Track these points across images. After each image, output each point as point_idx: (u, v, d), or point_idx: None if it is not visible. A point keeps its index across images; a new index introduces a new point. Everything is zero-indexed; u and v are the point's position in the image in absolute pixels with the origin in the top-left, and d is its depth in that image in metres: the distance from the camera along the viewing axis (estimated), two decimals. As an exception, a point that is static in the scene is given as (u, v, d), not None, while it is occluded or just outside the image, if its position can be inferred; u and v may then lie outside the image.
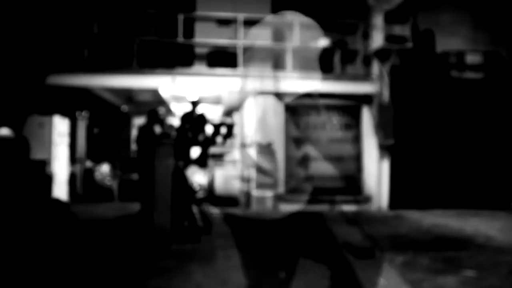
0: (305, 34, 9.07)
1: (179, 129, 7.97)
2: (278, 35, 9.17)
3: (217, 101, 10.81)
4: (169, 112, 11.39)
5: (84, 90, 9.03)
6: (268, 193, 8.38)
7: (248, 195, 8.52)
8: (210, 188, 8.90)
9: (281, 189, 8.59)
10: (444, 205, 8.67)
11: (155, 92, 9.42)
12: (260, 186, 8.35)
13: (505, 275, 4.13)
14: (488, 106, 9.14)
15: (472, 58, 9.32)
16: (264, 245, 5.33)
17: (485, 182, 9.00)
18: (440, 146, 8.91)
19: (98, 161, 9.57)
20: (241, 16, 8.62)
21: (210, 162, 9.03)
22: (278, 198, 8.48)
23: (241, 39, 8.59)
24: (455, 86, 9.14)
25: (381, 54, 8.73)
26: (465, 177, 8.94)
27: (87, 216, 7.28)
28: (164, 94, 9.56)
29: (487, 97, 9.17)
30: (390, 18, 8.82)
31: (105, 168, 9.25)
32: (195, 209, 5.95)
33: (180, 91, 9.16)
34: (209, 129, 12.01)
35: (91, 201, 8.85)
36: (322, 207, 8.49)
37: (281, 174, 8.61)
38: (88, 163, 9.46)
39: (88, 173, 9.22)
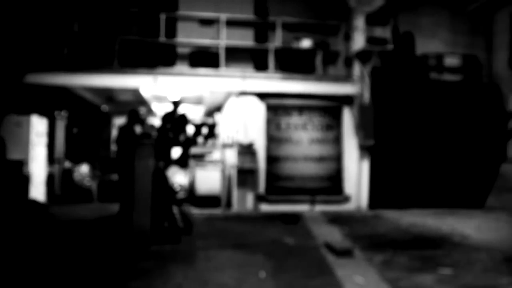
0: (287, 35, 9.12)
1: (160, 129, 7.92)
2: (261, 36, 9.19)
3: (198, 101, 10.79)
4: (150, 112, 11.32)
5: (63, 89, 8.90)
6: (249, 194, 8.38)
7: (229, 195, 8.52)
8: (191, 188, 8.86)
9: (262, 189, 8.61)
10: (422, 204, 8.80)
11: (136, 92, 9.35)
12: (241, 186, 8.35)
13: (480, 272, 4.23)
14: (465, 107, 9.32)
15: (450, 61, 9.49)
16: (245, 245, 5.34)
17: (462, 182, 9.17)
18: (418, 146, 9.05)
19: (77, 161, 9.44)
20: (223, 16, 8.62)
21: (191, 162, 8.99)
22: (259, 198, 8.50)
23: (223, 39, 8.58)
24: (434, 87, 9.30)
25: (362, 56, 8.82)
26: (442, 177, 9.09)
27: (65, 217, 7.18)
28: (146, 94, 9.50)
29: (464, 99, 9.35)
30: (371, 20, 8.92)
31: (84, 168, 9.13)
32: (175, 209, 5.92)
33: (162, 91, 9.10)
34: (190, 129, 11.99)
35: (70, 202, 8.72)
36: (303, 207, 8.54)
37: (262, 174, 8.63)
38: (67, 164, 9.32)
39: (67, 174, 9.07)
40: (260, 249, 5.12)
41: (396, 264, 4.48)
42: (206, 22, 8.95)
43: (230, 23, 8.81)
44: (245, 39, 9.00)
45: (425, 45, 10.00)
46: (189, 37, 8.77)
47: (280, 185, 8.73)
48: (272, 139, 8.78)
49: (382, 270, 4.24)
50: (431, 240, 5.81)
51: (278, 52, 8.96)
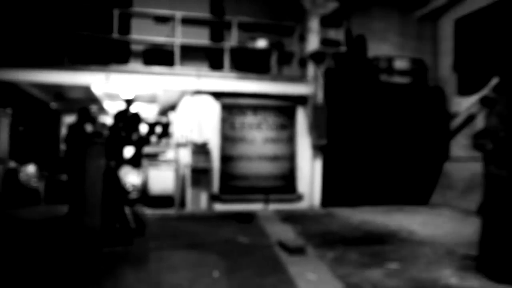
0: (243, 35, 9.15)
1: (112, 128, 7.74)
2: (216, 35, 9.17)
3: (152, 99, 10.61)
4: (101, 110, 11.01)
5: (8, 85, 8.47)
6: (203, 193, 8.34)
7: (183, 195, 8.44)
8: (144, 188, 8.71)
9: (216, 188, 8.59)
10: (372, 202, 9.11)
11: (87, 89, 9.05)
12: (195, 186, 8.29)
13: (424, 266, 4.43)
14: (412, 108, 9.72)
15: (400, 64, 9.86)
16: (199, 245, 5.31)
17: (409, 180, 9.56)
18: (369, 146, 9.34)
19: (23, 161, 9.01)
20: (178, 14, 8.52)
21: (144, 162, 8.83)
22: (213, 198, 8.48)
23: (178, 38, 8.48)
24: (384, 89, 9.63)
25: (317, 57, 8.99)
26: (391, 175, 9.44)
27: (9, 220, 6.85)
28: (97, 91, 9.23)
29: (412, 101, 9.75)
30: (326, 23, 9.11)
31: (31, 168, 8.72)
32: (127, 210, 5.80)
33: (114, 89, 8.88)
34: (143, 128, 11.77)
35: (15, 204, 8.31)
36: (257, 206, 8.60)
37: (216, 174, 8.61)
38: (12, 163, 8.88)
39: (12, 174, 8.64)
40: (214, 249, 5.11)
41: (347, 261, 4.61)
42: (161, 20, 8.82)
43: (186, 21, 8.73)
44: (200, 37, 8.94)
45: (377, 48, 10.35)
46: (143, 34, 8.61)
47: (234, 184, 8.75)
48: (227, 139, 8.78)
49: (334, 267, 4.35)
50: (380, 236, 6.02)
51: (234, 52, 8.98)
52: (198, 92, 8.58)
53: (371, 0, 10.45)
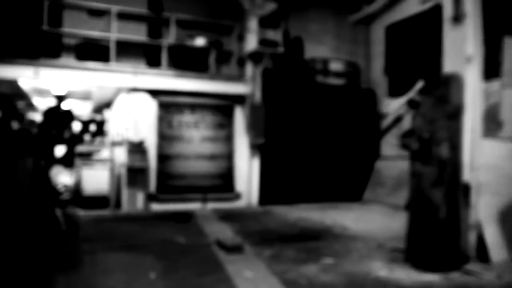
0: (181, 32, 9.02)
1: (41, 125, 7.33)
2: (154, 31, 8.96)
3: (86, 96, 10.17)
4: (30, 106, 10.38)
5: None
6: (140, 193, 8.14)
7: (118, 195, 8.17)
8: (77, 189, 8.32)
9: (153, 188, 8.42)
10: (309, 199, 9.35)
11: (14, 84, 8.46)
12: (131, 185, 8.07)
13: (357, 259, 4.63)
14: (347, 109, 10.11)
15: (335, 66, 10.20)
16: (135, 247, 5.18)
17: (343, 178, 9.93)
18: (305, 145, 9.58)
19: None
20: (115, 8, 8.23)
21: (77, 161, 8.45)
22: (150, 198, 8.30)
23: (114, 33, 8.20)
24: (320, 90, 9.92)
25: (255, 57, 9.07)
26: (326, 174, 9.75)
27: None
28: (25, 86, 8.68)
29: (346, 101, 10.13)
30: (264, 23, 9.23)
31: None
32: (58, 212, 5.52)
33: (45, 84, 8.39)
34: (76, 126, 11.27)
35: None
36: (195, 205, 8.53)
37: (153, 173, 8.44)
38: None
39: None
40: (151, 250, 5.01)
41: (284, 257, 4.71)
42: (96, 13, 8.48)
43: (122, 16, 8.47)
44: (137, 33, 8.71)
45: (313, 50, 10.64)
46: (76, 27, 8.22)
47: (171, 183, 8.62)
48: (164, 137, 8.62)
49: (271, 264, 4.42)
50: (315, 232, 6.19)
51: (172, 49, 8.83)
52: (135, 90, 8.34)
53: (309, 3, 10.72)
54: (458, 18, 4.61)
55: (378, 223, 7.01)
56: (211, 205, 8.64)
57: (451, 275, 4.04)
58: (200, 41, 9.08)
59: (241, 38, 9.35)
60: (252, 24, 9.05)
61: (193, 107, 8.89)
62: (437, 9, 5.09)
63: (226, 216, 7.53)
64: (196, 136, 8.86)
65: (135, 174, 8.09)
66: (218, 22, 9.40)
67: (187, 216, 7.16)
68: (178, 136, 8.74)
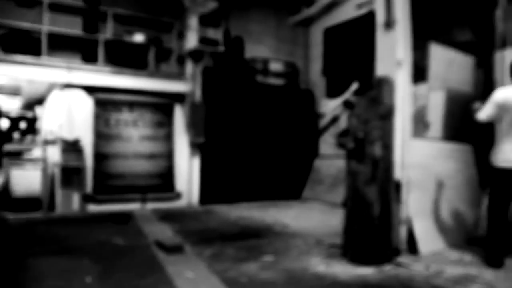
0: (119, 28, 8.76)
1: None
2: (90, 25, 8.60)
3: (15, 91, 9.57)
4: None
5: None
6: (75, 194, 7.80)
7: (52, 196, 7.78)
8: (5, 190, 7.82)
9: (89, 188, 8.10)
10: (250, 198, 9.44)
11: None
12: (66, 186, 7.72)
13: (296, 256, 4.74)
14: (286, 109, 10.31)
15: (275, 66, 10.37)
16: (70, 250, 4.96)
17: (283, 176, 10.13)
18: (246, 144, 9.66)
19: None
20: (46, -1, 7.82)
21: (5, 161, 7.93)
22: (87, 199, 7.98)
23: (46, 25, 7.78)
24: (260, 89, 10.03)
25: (195, 55, 9.00)
26: (266, 172, 9.90)
27: None
28: None
29: (286, 101, 10.33)
30: (205, 21, 9.19)
31: None
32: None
33: (-35, 78, 7.81)
34: (4, 123, 10.58)
35: None
36: (134, 206, 8.33)
37: (89, 173, 8.12)
38: None
39: None
40: (87, 253, 4.82)
41: (225, 256, 4.72)
42: (26, 3, 7.99)
43: (55, 8, 8.07)
44: (72, 27, 8.33)
45: (254, 50, 10.74)
46: (3, 17, 7.70)
47: (109, 183, 8.34)
48: (101, 136, 8.32)
49: (212, 263, 4.42)
50: (256, 230, 6.27)
51: (109, 45, 8.54)
52: (69, 86, 7.98)
53: (249, 3, 10.80)
54: (389, 24, 4.85)
55: (316, 220, 7.23)
56: (151, 205, 8.47)
57: (384, 268, 4.26)
58: (138, 38, 8.86)
59: (181, 36, 9.25)
60: (193, 22, 8.99)
61: (131, 105, 8.66)
62: (371, 15, 5.33)
63: (166, 216, 7.41)
64: (135, 135, 8.64)
65: (70, 174, 7.75)
66: (158, 18, 9.22)
67: (125, 217, 6.97)
68: (116, 135, 8.47)
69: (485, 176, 5.72)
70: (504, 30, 6.41)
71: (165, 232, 6.00)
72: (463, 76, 6.75)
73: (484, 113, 4.46)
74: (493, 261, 4.33)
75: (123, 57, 8.72)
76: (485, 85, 6.71)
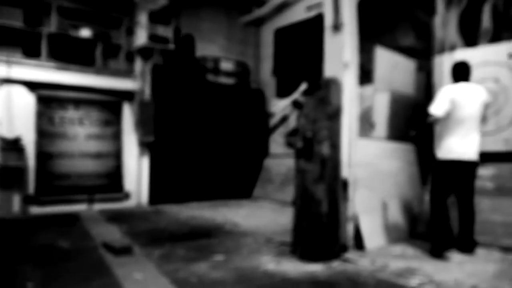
0: (65, 22, 8.41)
1: None
2: (33, 18, 8.19)
3: None
4: None
5: None
6: (16, 195, 7.42)
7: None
8: None
9: (32, 189, 7.74)
10: (200, 197, 9.40)
11: None
12: (5, 187, 7.32)
13: (247, 255, 4.78)
14: (237, 108, 10.35)
15: (226, 65, 10.37)
16: (9, 256, 4.72)
17: (233, 175, 10.16)
18: (197, 143, 9.60)
19: None
20: (-18, -11, 7.38)
21: None
22: (29, 200, 7.62)
23: (-18, 16, 7.35)
24: (211, 88, 10.00)
25: (144, 52, 8.84)
26: (217, 171, 9.89)
27: None
28: None
29: (237, 101, 10.36)
30: (155, 18, 9.01)
31: None
32: None
33: None
34: None
35: None
36: (81, 207, 8.06)
37: (32, 173, 7.75)
38: None
39: None
40: (29, 257, 4.61)
41: (175, 256, 4.68)
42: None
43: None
44: (12, 19, 7.89)
45: (205, 49, 10.68)
46: None
47: (54, 184, 8.00)
48: (44, 134, 7.97)
49: (161, 264, 4.36)
50: (207, 230, 6.25)
51: (53, 39, 8.19)
52: (9, 81, 7.58)
53: (201, 2, 10.73)
54: (337, 27, 5.00)
55: (267, 219, 7.31)
56: (99, 206, 8.23)
57: (332, 264, 4.39)
58: (85, 32, 8.56)
59: (130, 32, 9.04)
60: (142, 18, 8.80)
61: (77, 103, 8.35)
62: (320, 18, 5.46)
63: (115, 217, 7.23)
64: (81, 134, 8.34)
65: (10, 175, 7.36)
66: (106, 13, 8.94)
67: (71, 219, 6.73)
68: (60, 133, 8.14)
69: (426, 173, 6.05)
70: (442, 36, 6.78)
71: (113, 234, 5.84)
72: (406, 79, 7.08)
73: (441, 109, 4.67)
74: (436, 252, 4.59)
75: (69, 53, 8.40)
76: (426, 88, 7.07)
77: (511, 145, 5.40)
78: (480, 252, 4.84)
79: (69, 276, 3.97)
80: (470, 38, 6.50)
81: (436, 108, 4.68)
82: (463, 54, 5.81)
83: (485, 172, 5.40)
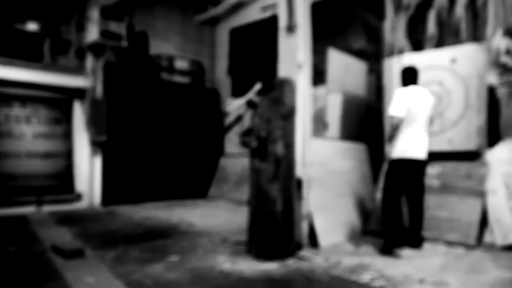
0: (9, 14, 8.02)
1: None
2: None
3: None
4: None
5: None
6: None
7: None
8: None
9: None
10: (155, 198, 9.27)
11: None
12: None
13: (202, 255, 4.77)
14: (192, 107, 10.28)
15: (180, 64, 10.26)
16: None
17: (189, 175, 10.09)
18: (151, 142, 9.46)
19: None
20: None
21: None
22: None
23: None
24: (165, 87, 9.87)
25: (96, 49, 8.59)
26: (172, 171, 9.79)
27: None
28: None
29: (192, 100, 10.29)
30: (107, 14, 8.77)
31: None
32: None
33: None
34: None
35: None
36: (29, 209, 7.72)
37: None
38: None
39: None
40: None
41: (129, 258, 4.59)
42: None
43: None
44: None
45: (159, 47, 10.53)
46: None
47: (-2, 186, 7.63)
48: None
49: (115, 266, 4.27)
50: (162, 231, 6.17)
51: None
52: None
53: (155, -1, 10.60)
54: (291, 28, 5.08)
55: (222, 218, 7.31)
56: (48, 208, 7.92)
57: (287, 262, 4.46)
58: (32, 26, 8.19)
59: (81, 27, 8.75)
60: (94, 13, 8.55)
61: (24, 100, 7.98)
62: (275, 18, 5.53)
63: (65, 219, 6.99)
64: (28, 132, 7.99)
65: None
66: (55, 7, 8.60)
67: (18, 222, 6.44)
68: (5, 132, 7.75)
69: (378, 172, 6.28)
70: (391, 40, 7.06)
71: (63, 236, 5.65)
72: (358, 80, 7.31)
73: (402, 110, 4.80)
74: (387, 250, 4.77)
75: (14, 47, 8.01)
76: (377, 90, 7.34)
77: (455, 144, 5.70)
78: (427, 246, 5.08)
79: (15, 282, 3.81)
80: (417, 43, 6.81)
81: (398, 110, 4.82)
82: (410, 58, 6.07)
83: (431, 170, 5.68)
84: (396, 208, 4.89)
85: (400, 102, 4.85)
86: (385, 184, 5.03)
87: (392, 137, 4.84)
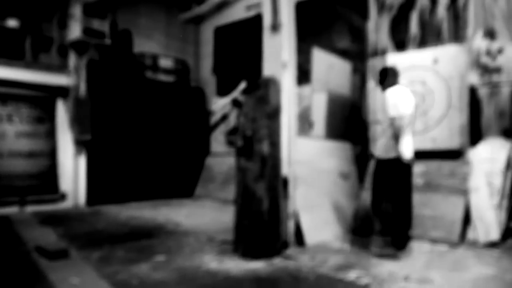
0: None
1: None
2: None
3: None
4: None
5: None
6: None
7: None
8: None
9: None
10: (141, 197, 9.21)
11: None
12: None
13: (189, 254, 4.77)
14: (177, 106, 10.23)
15: (165, 63, 10.20)
16: None
17: (175, 174, 10.05)
18: (136, 141, 9.39)
19: None
20: None
21: None
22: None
23: None
24: (149, 86, 9.81)
25: (79, 46, 8.50)
26: (158, 170, 9.74)
27: None
28: None
29: (176, 98, 10.24)
30: (89, 11, 8.67)
31: None
32: None
33: None
34: None
35: None
36: (11, 210, 7.60)
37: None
38: None
39: None
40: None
41: (114, 258, 4.57)
42: None
43: None
44: None
45: (143, 45, 10.45)
46: None
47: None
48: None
49: (100, 267, 4.25)
50: (148, 230, 6.15)
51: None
52: None
53: (138, -4, 10.51)
54: (275, 27, 5.09)
55: (209, 218, 7.31)
56: (32, 208, 7.81)
57: (274, 260, 4.49)
58: (12, 23, 8.05)
59: (63, 25, 8.63)
60: (76, 10, 8.45)
61: (5, 98, 7.85)
62: (259, 17, 5.53)
63: (49, 219, 6.91)
64: (10, 131, 7.86)
65: None
66: (36, 4, 8.46)
67: (0, 222, 6.34)
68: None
69: (363, 171, 6.34)
70: (375, 40, 7.14)
71: (47, 237, 5.58)
72: (342, 80, 7.37)
73: (407, 108, 4.72)
74: (401, 244, 4.76)
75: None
76: (360, 90, 7.41)
77: (438, 143, 5.80)
78: (411, 244, 5.15)
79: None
80: (400, 43, 6.90)
81: (403, 108, 4.70)
82: (393, 58, 6.15)
83: (416, 169, 5.75)
84: (395, 206, 4.88)
85: (401, 101, 4.87)
86: (374, 183, 5.01)
87: (398, 137, 4.75)
